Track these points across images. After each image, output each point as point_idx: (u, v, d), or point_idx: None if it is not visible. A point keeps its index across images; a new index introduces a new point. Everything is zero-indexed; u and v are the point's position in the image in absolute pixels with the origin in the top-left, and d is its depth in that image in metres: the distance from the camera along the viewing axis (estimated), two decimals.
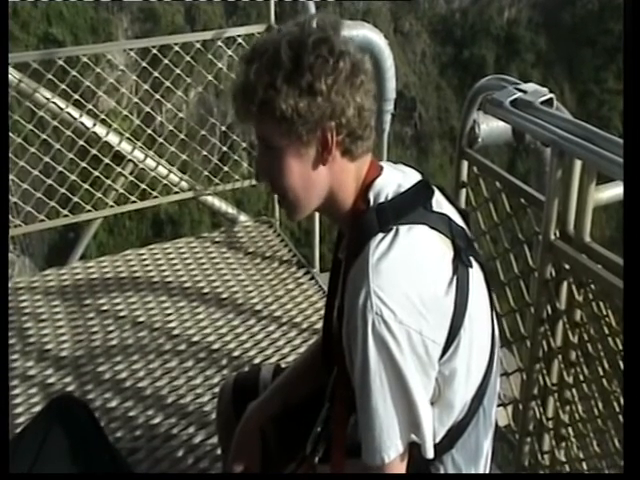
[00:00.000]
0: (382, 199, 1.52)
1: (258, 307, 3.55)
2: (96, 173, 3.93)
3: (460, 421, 1.57)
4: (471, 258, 1.54)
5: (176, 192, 4.16)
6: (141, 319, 3.46)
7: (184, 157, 4.17)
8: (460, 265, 1.50)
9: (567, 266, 2.09)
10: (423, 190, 1.57)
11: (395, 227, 1.46)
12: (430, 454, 1.48)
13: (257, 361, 3.19)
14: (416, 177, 1.60)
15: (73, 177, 3.83)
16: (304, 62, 1.40)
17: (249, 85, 1.44)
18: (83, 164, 3.88)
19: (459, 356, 1.49)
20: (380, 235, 1.46)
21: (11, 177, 3.74)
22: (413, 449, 1.49)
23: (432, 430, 1.48)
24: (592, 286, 2.04)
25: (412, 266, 1.45)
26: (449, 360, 1.49)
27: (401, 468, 1.49)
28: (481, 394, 1.59)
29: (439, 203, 1.58)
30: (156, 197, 4.11)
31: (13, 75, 3.65)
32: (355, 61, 1.45)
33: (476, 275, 1.56)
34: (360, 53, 1.49)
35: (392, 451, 1.45)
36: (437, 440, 1.53)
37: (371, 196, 1.52)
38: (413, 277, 1.44)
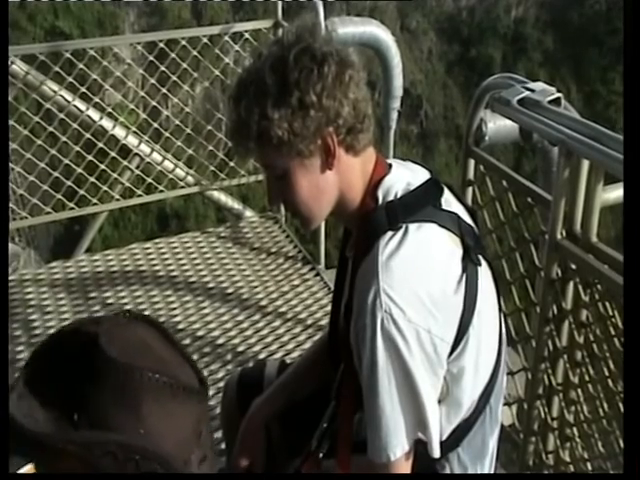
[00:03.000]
0: (391, 197, 1.51)
1: (263, 303, 3.56)
2: (102, 166, 3.94)
3: (467, 419, 1.57)
4: (479, 257, 1.54)
5: (182, 187, 4.17)
6: (146, 313, 3.46)
7: (190, 152, 4.17)
8: (469, 263, 1.50)
9: (573, 266, 2.09)
10: (433, 188, 1.57)
11: (405, 225, 1.46)
12: (436, 453, 1.48)
13: (262, 356, 3.19)
14: (425, 175, 1.60)
15: (79, 170, 3.84)
16: (290, 81, 1.40)
17: (242, 123, 1.45)
18: (89, 157, 3.88)
19: (467, 354, 1.49)
20: (389, 233, 1.45)
21: (17, 169, 3.75)
22: (419, 447, 1.49)
23: (439, 429, 1.48)
24: (598, 286, 2.04)
25: (421, 264, 1.45)
26: (457, 358, 1.48)
27: (407, 466, 1.49)
28: (488, 392, 1.59)
29: (448, 201, 1.58)
30: (162, 191, 4.12)
31: (20, 67, 3.66)
32: (340, 59, 1.44)
33: (484, 273, 1.56)
34: (344, 47, 1.49)
35: (398, 449, 1.45)
36: (444, 438, 1.53)
37: (380, 194, 1.52)
38: (423, 275, 1.44)
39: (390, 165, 1.58)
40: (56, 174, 3.82)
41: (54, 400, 1.24)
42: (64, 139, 3.81)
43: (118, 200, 4.07)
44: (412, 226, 1.46)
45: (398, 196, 1.51)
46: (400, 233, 1.45)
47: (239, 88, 1.46)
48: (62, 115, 3.81)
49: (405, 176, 1.56)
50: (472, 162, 2.48)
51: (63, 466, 1.19)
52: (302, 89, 1.40)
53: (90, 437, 1.18)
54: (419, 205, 1.51)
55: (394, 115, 4.62)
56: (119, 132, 4.03)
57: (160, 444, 1.23)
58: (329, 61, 1.42)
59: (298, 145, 1.44)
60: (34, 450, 1.20)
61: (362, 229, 1.52)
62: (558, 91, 2.07)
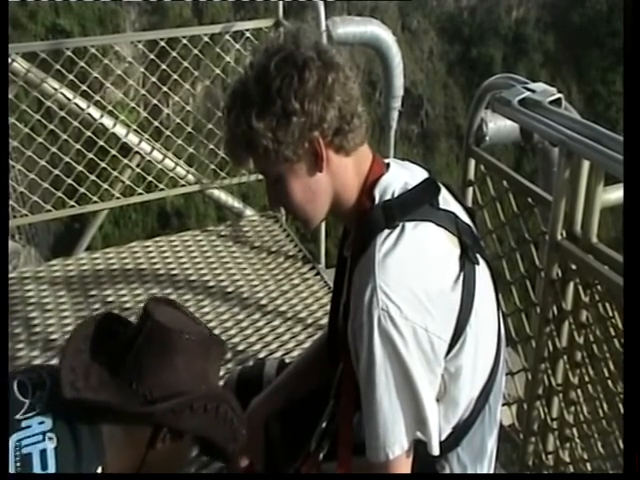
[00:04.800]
0: (388, 196, 1.52)
1: (263, 301, 3.55)
2: (103, 164, 3.94)
3: (466, 419, 1.57)
4: (477, 256, 1.54)
5: (182, 185, 4.17)
6: None
7: (191, 150, 4.17)
8: (467, 262, 1.50)
9: (574, 266, 2.09)
10: (430, 187, 1.57)
11: (401, 224, 1.47)
12: (436, 451, 1.48)
13: (261, 355, 3.18)
14: (423, 175, 1.60)
15: (80, 168, 3.83)
16: (272, 89, 1.43)
17: (232, 134, 1.50)
18: (90, 155, 3.89)
19: (465, 353, 1.49)
20: (386, 231, 1.46)
21: (18, 167, 3.75)
22: (419, 447, 1.49)
23: (438, 427, 1.48)
24: (598, 287, 2.04)
25: (418, 262, 1.45)
26: (455, 357, 1.49)
27: (406, 465, 1.49)
28: (487, 392, 1.59)
29: (446, 201, 1.58)
30: (162, 189, 4.11)
31: (21, 65, 3.66)
32: (322, 62, 1.45)
33: (482, 273, 1.56)
34: (330, 48, 1.50)
35: (397, 447, 1.45)
36: (443, 438, 1.53)
37: (377, 193, 1.53)
38: (419, 273, 1.44)
39: (388, 165, 1.59)
40: (57, 172, 3.82)
41: (120, 371, 1.43)
42: (65, 137, 3.80)
43: (118, 198, 4.07)
44: (409, 225, 1.47)
45: (395, 195, 1.52)
46: (397, 231, 1.46)
47: (229, 99, 1.50)
48: (63, 113, 3.81)
49: (403, 175, 1.56)
50: (473, 162, 2.48)
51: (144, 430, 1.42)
52: (284, 97, 1.42)
53: (175, 403, 1.39)
54: (416, 204, 1.51)
55: (395, 115, 4.62)
56: (120, 130, 4.03)
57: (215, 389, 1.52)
58: (310, 66, 1.44)
59: (284, 152, 1.46)
60: (120, 420, 1.39)
61: (359, 228, 1.53)
62: (559, 92, 2.07)
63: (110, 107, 4.04)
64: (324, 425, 1.72)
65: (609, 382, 2.07)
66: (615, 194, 2.07)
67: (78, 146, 3.83)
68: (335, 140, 1.48)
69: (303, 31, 1.50)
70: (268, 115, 1.43)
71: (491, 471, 1.70)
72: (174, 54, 3.85)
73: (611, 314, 2.01)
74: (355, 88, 1.50)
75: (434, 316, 1.43)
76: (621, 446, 2.07)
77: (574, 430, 2.25)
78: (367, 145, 1.57)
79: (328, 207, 1.55)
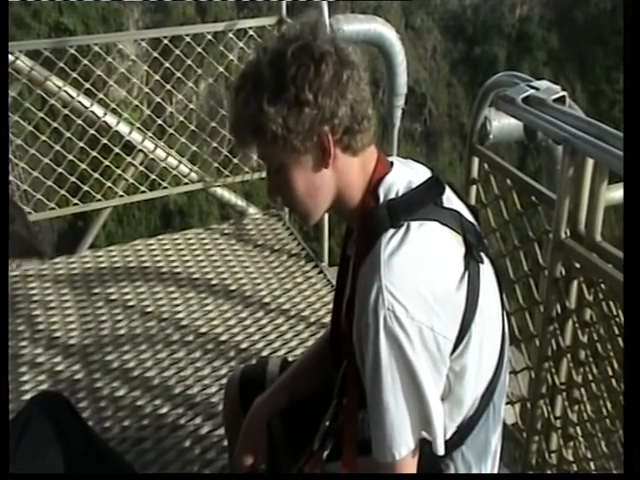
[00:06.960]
0: (392, 195, 1.51)
1: (266, 300, 3.55)
2: (106, 162, 3.95)
3: (470, 417, 1.56)
4: (482, 254, 1.54)
5: (186, 183, 4.17)
6: (149, 309, 3.47)
7: (194, 148, 4.17)
8: (471, 261, 1.49)
9: (577, 265, 2.08)
10: (434, 186, 1.56)
11: (406, 223, 1.45)
12: (441, 451, 1.48)
13: (265, 354, 3.19)
14: (426, 173, 1.60)
15: (83, 166, 3.84)
16: (287, 76, 1.41)
17: (239, 116, 1.47)
18: (93, 153, 3.89)
19: (470, 352, 1.49)
20: (391, 231, 1.45)
21: (21, 165, 3.76)
22: (423, 446, 1.48)
23: (443, 426, 1.48)
24: (602, 285, 2.03)
25: (424, 262, 1.45)
26: (460, 356, 1.48)
27: (412, 465, 1.48)
28: (491, 390, 1.58)
29: (449, 199, 1.57)
30: (165, 188, 4.12)
31: (24, 63, 3.66)
32: (338, 58, 1.44)
33: (487, 271, 1.55)
34: (346, 46, 1.49)
35: (403, 448, 1.45)
36: (447, 436, 1.52)
37: (381, 192, 1.52)
38: (425, 273, 1.43)
39: (391, 163, 1.58)
40: (60, 170, 3.83)
41: None
42: (68, 135, 3.81)
43: (122, 196, 4.07)
44: (414, 224, 1.46)
45: (399, 194, 1.51)
46: (402, 231, 1.45)
47: (240, 80, 1.48)
48: (66, 111, 3.81)
49: (406, 174, 1.56)
50: (476, 160, 2.48)
51: None
52: (298, 86, 1.41)
53: None
54: (421, 203, 1.50)
55: (398, 113, 4.62)
56: (123, 128, 4.03)
57: None
58: (327, 60, 1.42)
59: (292, 141, 1.44)
60: None
61: (363, 227, 1.52)
62: (563, 89, 2.07)
63: (113, 105, 4.04)
64: (327, 424, 1.72)
65: (613, 381, 2.07)
66: (619, 192, 2.06)
67: (81, 144, 3.83)
68: (344, 139, 1.47)
69: (322, 24, 1.49)
70: (280, 101, 1.41)
71: (495, 470, 1.70)
72: (177, 52, 3.86)
73: (615, 312, 2.01)
74: (367, 90, 1.49)
75: (440, 316, 1.42)
76: None
77: (577, 429, 2.24)
78: (373, 145, 1.56)
79: (329, 204, 1.55)
